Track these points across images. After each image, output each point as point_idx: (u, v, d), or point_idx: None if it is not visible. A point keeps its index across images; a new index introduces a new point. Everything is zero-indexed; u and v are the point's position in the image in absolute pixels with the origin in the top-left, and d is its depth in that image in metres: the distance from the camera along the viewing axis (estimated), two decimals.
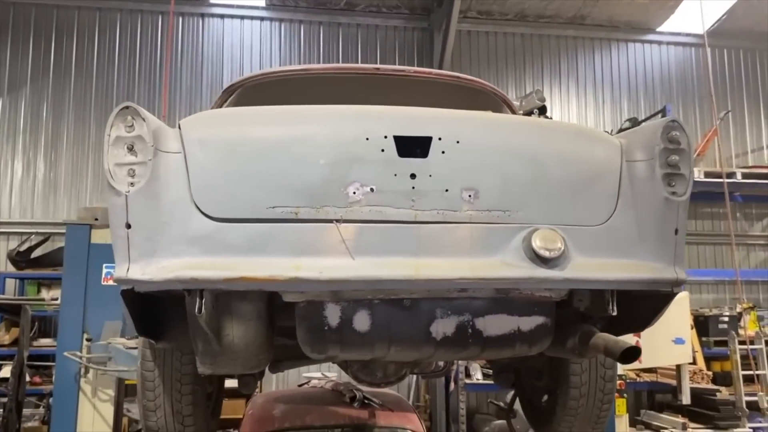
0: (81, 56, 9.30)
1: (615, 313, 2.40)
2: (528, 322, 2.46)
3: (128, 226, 2.17)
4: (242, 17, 9.80)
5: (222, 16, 9.75)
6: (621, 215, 2.38)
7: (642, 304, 2.53)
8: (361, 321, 2.36)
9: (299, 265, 2.13)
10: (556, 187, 2.36)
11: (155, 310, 2.49)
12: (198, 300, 2.16)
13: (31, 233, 8.56)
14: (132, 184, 2.18)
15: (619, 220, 2.38)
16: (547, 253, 2.21)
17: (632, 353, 2.27)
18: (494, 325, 2.43)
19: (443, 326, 2.39)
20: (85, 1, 9.38)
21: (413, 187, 2.26)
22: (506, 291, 2.38)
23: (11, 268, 8.31)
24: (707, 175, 8.99)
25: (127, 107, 2.25)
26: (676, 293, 2.42)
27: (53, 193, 8.97)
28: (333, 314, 2.35)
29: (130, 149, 2.21)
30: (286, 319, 2.46)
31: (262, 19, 9.85)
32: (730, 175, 8.95)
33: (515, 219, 2.30)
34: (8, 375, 6.54)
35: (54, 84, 9.18)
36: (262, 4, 9.72)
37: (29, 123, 9.08)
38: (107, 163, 2.19)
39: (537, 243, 2.22)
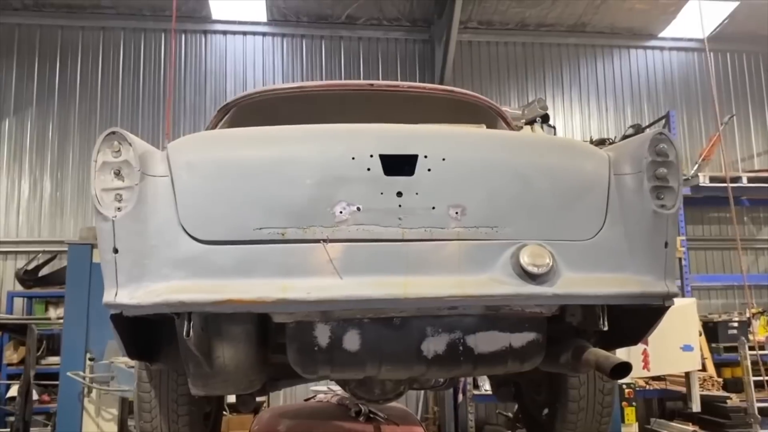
0: (85, 75, 9.39)
1: (606, 328, 2.39)
2: (519, 339, 2.45)
3: (116, 251, 2.19)
4: (245, 33, 9.85)
5: (224, 33, 9.82)
6: (610, 229, 2.37)
7: (634, 318, 2.51)
8: (351, 340, 2.35)
9: (287, 286, 2.13)
10: (543, 203, 2.35)
11: (149, 332, 2.51)
12: (186, 323, 2.17)
13: (39, 252, 8.59)
14: (119, 209, 2.19)
15: (608, 234, 2.37)
16: (535, 269, 2.20)
17: (623, 369, 2.25)
18: (485, 342, 2.42)
19: (434, 344, 2.39)
20: (89, 21, 9.48)
21: (400, 206, 2.26)
22: (496, 308, 2.37)
23: (19, 287, 8.36)
24: (713, 180, 8.91)
25: (113, 132, 2.27)
26: (668, 306, 2.39)
27: (60, 212, 9.04)
28: (322, 334, 2.35)
29: (117, 174, 2.22)
30: (282, 337, 2.46)
31: (264, 34, 9.90)
32: (736, 179, 8.88)
33: (503, 235, 2.29)
34: (16, 394, 6.58)
35: (59, 103, 9.26)
36: (264, 19, 9.77)
37: (35, 143, 9.16)
38: (94, 189, 2.21)
39: (525, 259, 2.22)
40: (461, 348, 2.40)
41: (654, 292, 2.34)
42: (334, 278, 2.17)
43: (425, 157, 2.31)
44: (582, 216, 2.38)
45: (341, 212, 2.24)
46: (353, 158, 2.28)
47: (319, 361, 2.39)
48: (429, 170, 2.30)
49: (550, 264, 2.22)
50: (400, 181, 2.28)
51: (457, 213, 2.28)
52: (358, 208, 2.25)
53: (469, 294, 2.18)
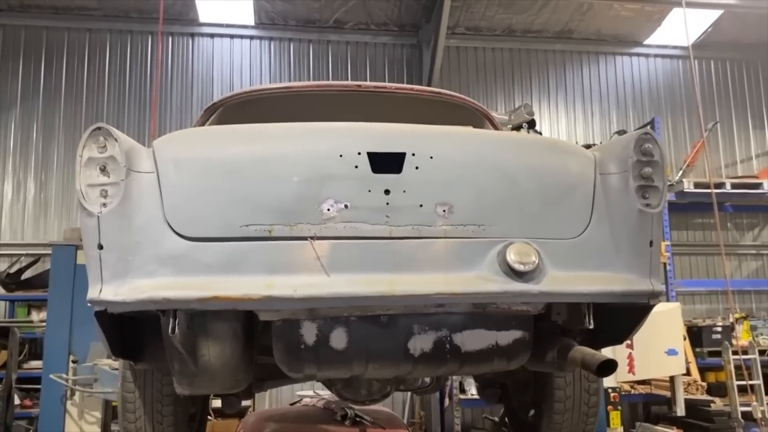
0: (71, 77, 9.32)
1: (591, 326, 2.39)
2: (506, 337, 2.45)
3: (100, 247, 2.16)
4: (232, 36, 9.83)
5: (212, 36, 9.79)
6: (595, 228, 2.39)
7: (620, 317, 2.52)
8: (338, 339, 2.34)
9: (273, 284, 2.12)
10: (530, 201, 2.37)
11: (134, 330, 2.48)
12: (171, 320, 2.15)
13: (22, 255, 8.52)
14: (104, 204, 2.17)
15: (594, 232, 2.38)
16: (521, 267, 2.21)
17: (609, 366, 2.26)
18: (472, 340, 2.42)
19: (421, 342, 2.38)
20: (75, 22, 9.42)
21: (387, 203, 2.26)
22: (483, 305, 2.37)
23: (1, 290, 8.26)
24: (697, 185, 9.00)
25: (99, 128, 2.25)
26: (653, 305, 2.41)
27: (44, 214, 8.95)
28: (309, 332, 2.34)
29: (103, 170, 2.21)
30: (268, 338, 2.45)
31: (251, 38, 9.88)
32: (720, 185, 8.97)
33: (490, 233, 2.30)
34: None
35: (44, 105, 9.18)
36: (252, 23, 9.76)
37: (19, 144, 9.07)
38: (79, 184, 2.19)
39: (511, 257, 2.22)
40: (448, 346, 2.40)
41: (639, 291, 2.35)
42: (321, 275, 2.17)
43: (413, 155, 2.31)
44: (568, 215, 2.39)
45: (329, 209, 2.24)
46: (341, 156, 2.28)
47: (305, 360, 2.37)
48: (417, 168, 2.30)
49: (537, 262, 2.23)
50: (387, 179, 2.28)
51: (444, 211, 2.29)
52: (346, 206, 2.25)
53: (456, 291, 2.19)
